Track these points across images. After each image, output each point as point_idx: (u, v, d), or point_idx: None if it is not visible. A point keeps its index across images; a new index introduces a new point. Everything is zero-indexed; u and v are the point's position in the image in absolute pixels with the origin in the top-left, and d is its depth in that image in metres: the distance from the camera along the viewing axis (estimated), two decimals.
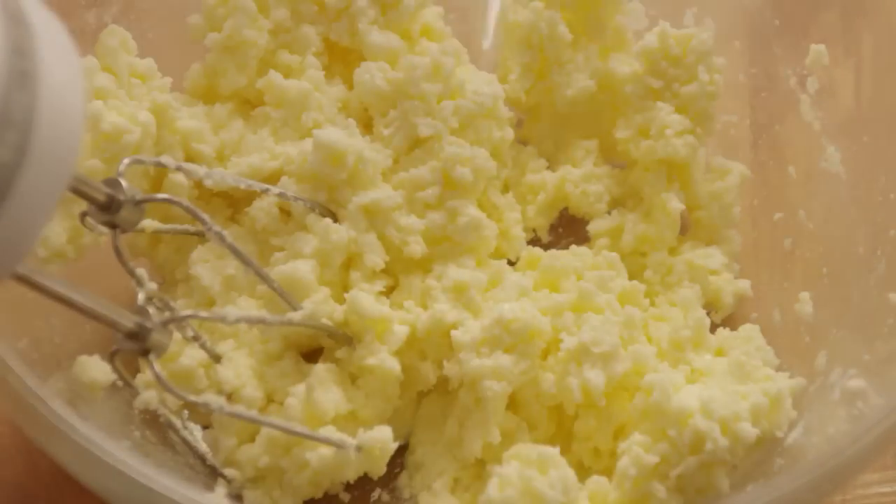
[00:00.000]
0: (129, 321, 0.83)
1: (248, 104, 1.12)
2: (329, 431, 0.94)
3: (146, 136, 1.02)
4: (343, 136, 1.03)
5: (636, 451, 0.90)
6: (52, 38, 0.68)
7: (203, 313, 0.98)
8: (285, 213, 1.06)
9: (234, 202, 1.09)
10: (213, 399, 0.87)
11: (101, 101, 1.01)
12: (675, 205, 1.09)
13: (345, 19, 1.13)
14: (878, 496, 1.02)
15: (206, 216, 0.91)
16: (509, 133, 1.11)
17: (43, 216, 0.67)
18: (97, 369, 0.90)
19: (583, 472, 0.95)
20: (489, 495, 0.87)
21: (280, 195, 1.02)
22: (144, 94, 1.05)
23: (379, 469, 0.95)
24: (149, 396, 0.90)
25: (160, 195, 0.94)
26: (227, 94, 1.12)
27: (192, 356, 0.99)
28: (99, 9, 1.07)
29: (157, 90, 1.06)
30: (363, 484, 1.01)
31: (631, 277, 1.07)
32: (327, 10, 1.13)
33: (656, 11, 1.19)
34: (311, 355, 1.04)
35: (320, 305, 0.97)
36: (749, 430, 0.88)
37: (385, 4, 1.12)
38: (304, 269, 0.99)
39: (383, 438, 0.93)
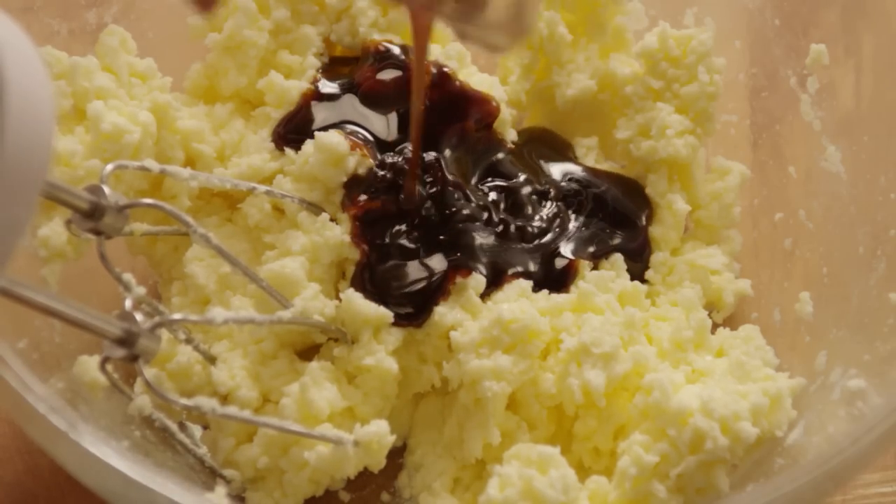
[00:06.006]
0: (115, 328, 0.83)
1: (248, 104, 1.13)
2: (325, 428, 0.94)
3: (146, 136, 1.02)
4: (344, 138, 1.03)
5: (636, 450, 0.90)
6: (18, 51, 0.66)
7: (192, 317, 0.97)
8: (280, 211, 1.06)
9: (233, 202, 1.09)
10: (205, 401, 0.86)
11: (101, 100, 1.01)
12: (681, 206, 1.09)
13: (345, 20, 1.13)
14: (878, 496, 1.03)
15: (189, 219, 0.91)
16: (511, 135, 1.11)
17: (18, 224, 0.67)
18: (97, 369, 0.90)
19: (583, 472, 0.95)
20: (489, 495, 0.88)
21: (267, 192, 1.03)
22: (145, 94, 1.05)
23: (378, 462, 0.95)
24: (142, 402, 0.90)
25: (144, 200, 0.93)
26: (227, 95, 1.12)
27: (188, 353, 0.99)
28: (99, 9, 1.07)
29: (158, 90, 1.06)
30: (363, 484, 1.01)
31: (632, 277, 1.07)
32: (328, 11, 1.13)
33: (656, 11, 1.19)
34: (307, 353, 1.04)
35: (310, 302, 0.97)
36: (749, 430, 0.88)
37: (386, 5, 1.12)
38: (292, 266, 0.99)
39: (380, 432, 0.93)
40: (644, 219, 1.09)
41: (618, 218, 1.09)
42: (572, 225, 1.07)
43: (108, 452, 0.76)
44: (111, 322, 0.83)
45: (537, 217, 1.07)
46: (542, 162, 1.11)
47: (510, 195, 1.07)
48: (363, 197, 1.03)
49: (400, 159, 1.04)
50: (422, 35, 0.94)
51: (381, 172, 1.03)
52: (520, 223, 1.06)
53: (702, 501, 0.89)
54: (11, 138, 0.64)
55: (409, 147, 1.03)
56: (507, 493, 0.87)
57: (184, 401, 0.88)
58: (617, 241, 1.07)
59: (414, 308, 1.00)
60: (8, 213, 0.66)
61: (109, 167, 0.91)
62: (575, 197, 1.09)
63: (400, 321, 1.00)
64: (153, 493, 0.75)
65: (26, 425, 0.79)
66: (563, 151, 1.14)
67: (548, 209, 1.08)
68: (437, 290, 1.00)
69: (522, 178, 1.08)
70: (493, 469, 0.90)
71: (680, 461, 0.89)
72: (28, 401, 0.78)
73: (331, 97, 1.08)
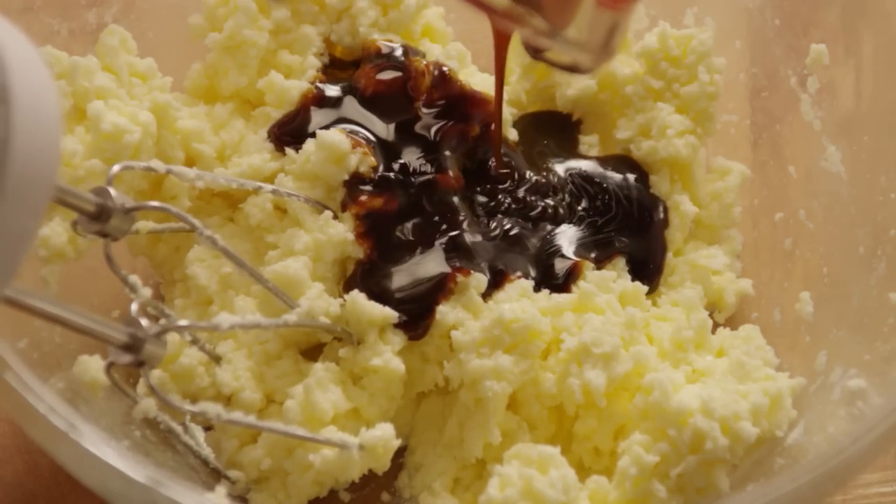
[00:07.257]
0: (121, 334, 0.82)
1: (248, 104, 1.12)
2: (330, 432, 0.94)
3: (146, 136, 1.02)
4: (345, 136, 1.03)
5: (636, 450, 0.90)
6: (22, 58, 0.66)
7: (198, 323, 0.97)
8: (281, 210, 1.06)
9: (234, 201, 1.09)
10: (211, 407, 0.86)
11: (101, 100, 1.01)
12: (689, 207, 1.09)
13: (346, 20, 1.13)
14: (879, 496, 1.02)
15: (196, 221, 0.91)
16: (512, 134, 1.11)
17: (27, 234, 0.66)
18: (97, 369, 0.90)
19: (583, 472, 0.94)
20: (490, 495, 0.88)
21: (273, 192, 1.02)
22: (145, 94, 1.05)
23: (383, 466, 0.95)
24: (147, 405, 0.89)
25: (151, 203, 0.93)
26: (227, 94, 1.12)
27: (191, 355, 0.99)
28: (99, 9, 1.07)
29: (158, 90, 1.06)
30: (363, 484, 1.01)
31: None
32: (328, 11, 1.13)
33: (656, 11, 1.19)
34: (312, 353, 1.04)
35: (315, 301, 0.97)
36: (749, 430, 0.88)
37: (386, 5, 1.12)
38: (295, 266, 0.99)
39: (386, 436, 0.93)
40: (662, 212, 1.09)
41: (629, 218, 1.08)
42: (577, 225, 1.07)
43: (108, 452, 0.76)
44: (117, 328, 0.82)
45: (539, 217, 1.07)
46: (545, 159, 1.11)
47: (511, 196, 1.07)
48: (365, 196, 1.03)
49: (403, 161, 1.04)
50: (502, 45, 0.98)
51: (385, 172, 1.03)
52: (522, 224, 1.06)
53: (702, 501, 0.89)
54: (19, 147, 0.63)
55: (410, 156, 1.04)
56: (508, 493, 0.87)
57: (189, 406, 0.88)
58: (623, 242, 1.07)
59: (410, 316, 1.00)
60: (16, 224, 0.65)
61: (116, 168, 0.91)
62: (580, 196, 1.08)
63: (397, 328, 1.00)
64: (153, 492, 0.75)
65: (26, 425, 0.79)
66: (566, 145, 1.13)
67: (550, 209, 1.07)
68: (436, 294, 1.00)
69: (525, 178, 1.08)
70: (494, 469, 0.90)
71: (680, 461, 0.89)
72: (28, 401, 0.78)
73: (329, 101, 1.08)
